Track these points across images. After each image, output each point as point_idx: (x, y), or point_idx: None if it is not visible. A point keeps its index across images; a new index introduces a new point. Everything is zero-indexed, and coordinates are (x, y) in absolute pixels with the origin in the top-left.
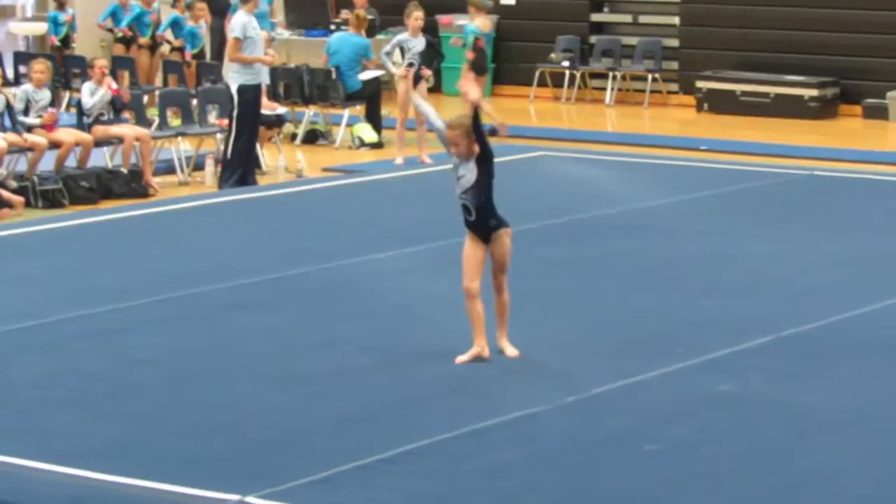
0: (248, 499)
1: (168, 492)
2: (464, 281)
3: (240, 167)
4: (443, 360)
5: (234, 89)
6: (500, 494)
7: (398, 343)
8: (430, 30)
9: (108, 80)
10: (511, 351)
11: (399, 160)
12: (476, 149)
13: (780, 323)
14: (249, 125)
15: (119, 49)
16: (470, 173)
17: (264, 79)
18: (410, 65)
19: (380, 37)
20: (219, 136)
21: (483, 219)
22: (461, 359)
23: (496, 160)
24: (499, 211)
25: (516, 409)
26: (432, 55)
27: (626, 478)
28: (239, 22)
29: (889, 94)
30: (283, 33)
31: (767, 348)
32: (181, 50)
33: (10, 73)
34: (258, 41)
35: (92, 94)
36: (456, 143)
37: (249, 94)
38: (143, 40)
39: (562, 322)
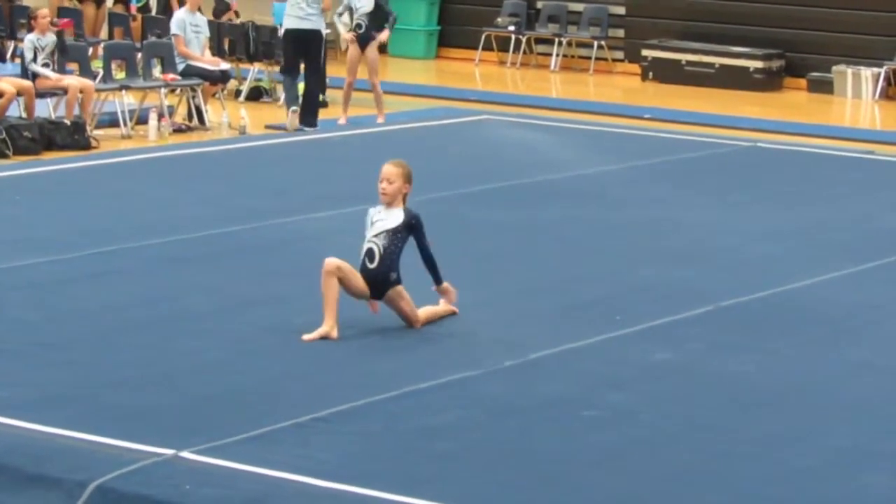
0: (183, 453)
1: (103, 444)
2: (326, 264)
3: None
4: (380, 321)
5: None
6: (435, 455)
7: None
8: None
9: (56, 23)
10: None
11: (342, 120)
12: (402, 203)
13: (720, 293)
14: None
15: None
16: (391, 218)
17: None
18: (358, 26)
19: None
20: (163, 90)
21: (385, 269)
22: (308, 337)
23: (438, 124)
24: (443, 171)
25: (454, 372)
26: (380, 16)
27: (562, 442)
28: None
29: (834, 68)
30: None
31: (707, 318)
32: (126, 3)
33: None
34: None
35: (35, 48)
36: (391, 180)
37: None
38: None
39: (501, 286)
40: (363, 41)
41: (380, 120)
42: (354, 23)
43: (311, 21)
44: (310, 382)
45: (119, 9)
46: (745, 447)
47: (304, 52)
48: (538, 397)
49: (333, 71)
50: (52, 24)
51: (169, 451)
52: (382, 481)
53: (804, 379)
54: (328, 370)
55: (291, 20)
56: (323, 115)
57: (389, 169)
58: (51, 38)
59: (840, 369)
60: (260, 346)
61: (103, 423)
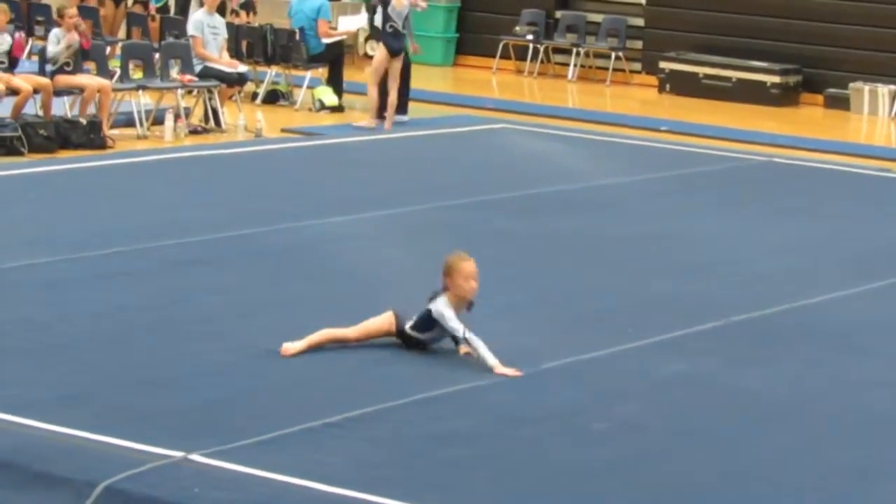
0: (193, 456)
1: (112, 445)
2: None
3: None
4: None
5: None
6: (444, 463)
7: (351, 308)
8: None
9: (81, 28)
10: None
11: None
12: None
13: (732, 307)
14: None
15: None
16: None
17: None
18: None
19: (346, 0)
20: (180, 91)
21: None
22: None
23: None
24: (457, 179)
25: (465, 381)
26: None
27: (571, 453)
28: None
29: (851, 84)
30: None
31: (718, 332)
32: (144, 3)
33: None
34: None
35: (58, 42)
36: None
37: None
38: None
39: (514, 295)
40: (397, 46)
41: (387, 127)
42: (389, 26)
43: None
44: (320, 387)
45: (138, 9)
46: (754, 462)
47: None
48: (548, 407)
49: (350, 76)
50: (76, 28)
51: (178, 454)
52: (391, 488)
53: (814, 395)
54: (339, 376)
55: None
56: (338, 118)
57: (475, 268)
58: (75, 38)
59: (850, 386)
60: (271, 350)
61: (113, 424)
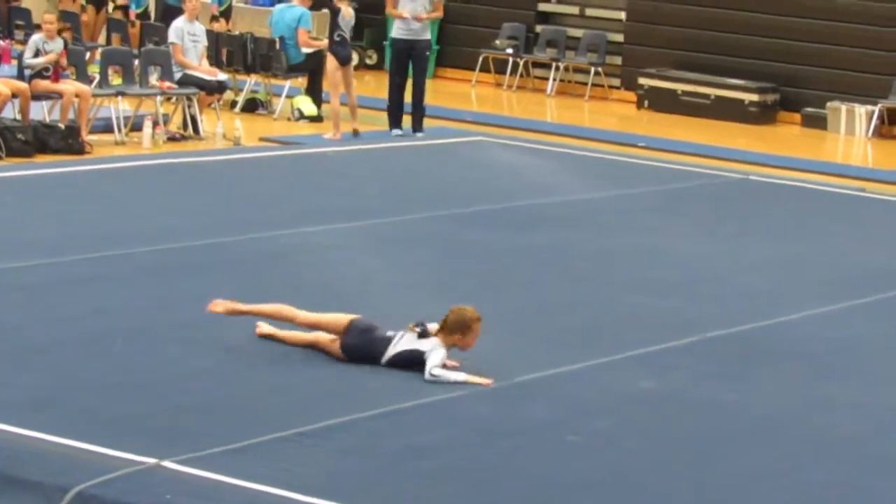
0: (165, 463)
1: (85, 450)
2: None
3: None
4: None
5: None
6: (417, 475)
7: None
8: None
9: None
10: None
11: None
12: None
13: (706, 324)
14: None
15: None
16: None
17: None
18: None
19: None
20: (159, 98)
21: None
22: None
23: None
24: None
25: (439, 393)
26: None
27: (545, 467)
28: None
29: (829, 104)
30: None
31: (693, 348)
32: (125, 8)
33: None
34: None
35: (37, 50)
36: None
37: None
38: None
39: (489, 308)
40: (345, 55)
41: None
42: (337, 35)
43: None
44: (295, 396)
45: (118, 15)
46: (727, 478)
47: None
48: (523, 421)
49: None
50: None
51: (151, 460)
52: (363, 499)
53: (787, 412)
54: (314, 385)
55: (399, 30)
56: (317, 128)
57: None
58: (57, 45)
59: (820, 405)
60: (246, 358)
61: (86, 429)
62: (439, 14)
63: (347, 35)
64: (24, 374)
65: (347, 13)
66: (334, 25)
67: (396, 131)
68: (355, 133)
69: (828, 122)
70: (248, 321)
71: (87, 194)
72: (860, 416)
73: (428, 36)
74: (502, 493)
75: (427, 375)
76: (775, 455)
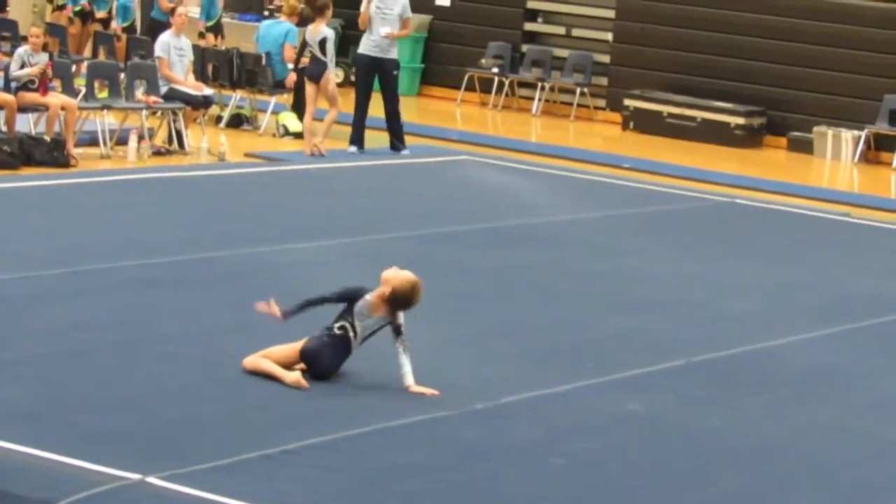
0: (150, 479)
1: (68, 465)
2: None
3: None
4: (354, 357)
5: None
6: (401, 495)
7: (310, 334)
8: None
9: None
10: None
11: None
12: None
13: (691, 348)
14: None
15: (57, 17)
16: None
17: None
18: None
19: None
20: (144, 112)
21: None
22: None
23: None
24: (419, 209)
25: (424, 412)
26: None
27: (527, 488)
28: None
29: (815, 128)
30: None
31: (677, 372)
32: (105, 22)
33: None
34: None
35: (23, 62)
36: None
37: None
38: (101, 14)
39: (473, 328)
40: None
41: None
42: (307, 52)
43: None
44: (279, 414)
45: (98, 27)
46: (711, 502)
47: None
48: (506, 442)
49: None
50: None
51: (135, 476)
52: None
53: (772, 437)
54: (298, 403)
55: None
56: (302, 145)
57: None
58: (42, 58)
59: (806, 430)
60: (230, 374)
61: (69, 444)
62: (406, 33)
63: (317, 51)
64: (7, 387)
65: (315, 30)
66: (303, 43)
67: (352, 149)
68: (313, 153)
69: (814, 146)
70: (242, 335)
71: (72, 208)
72: (847, 442)
73: (395, 55)
74: None
75: (400, 345)
76: (761, 480)
